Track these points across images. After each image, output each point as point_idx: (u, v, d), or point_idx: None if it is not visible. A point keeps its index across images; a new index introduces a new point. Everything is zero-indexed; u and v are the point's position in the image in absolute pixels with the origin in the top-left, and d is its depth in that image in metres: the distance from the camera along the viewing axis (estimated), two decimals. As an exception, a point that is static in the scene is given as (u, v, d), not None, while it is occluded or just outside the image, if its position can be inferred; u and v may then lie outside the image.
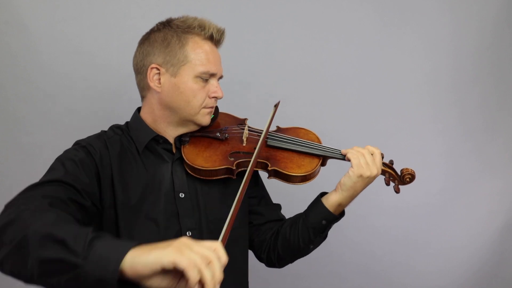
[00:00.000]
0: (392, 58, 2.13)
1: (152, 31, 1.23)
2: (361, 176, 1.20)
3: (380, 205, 2.18)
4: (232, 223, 0.92)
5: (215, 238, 1.16)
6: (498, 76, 2.22)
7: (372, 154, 1.23)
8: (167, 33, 1.19)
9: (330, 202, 1.24)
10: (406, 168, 1.30)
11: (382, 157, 1.29)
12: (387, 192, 2.24)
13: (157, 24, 1.25)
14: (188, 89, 1.17)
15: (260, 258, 1.38)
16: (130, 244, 0.77)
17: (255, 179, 1.39)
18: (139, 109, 1.29)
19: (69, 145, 1.86)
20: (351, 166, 1.21)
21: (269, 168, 1.22)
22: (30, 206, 0.91)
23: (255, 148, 1.22)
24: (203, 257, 0.74)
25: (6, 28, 1.78)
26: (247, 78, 2.00)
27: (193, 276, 0.72)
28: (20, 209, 0.90)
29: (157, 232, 1.14)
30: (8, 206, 0.94)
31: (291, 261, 1.35)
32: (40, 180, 1.08)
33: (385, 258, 2.23)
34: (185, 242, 0.77)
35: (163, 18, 1.93)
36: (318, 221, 1.24)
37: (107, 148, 1.17)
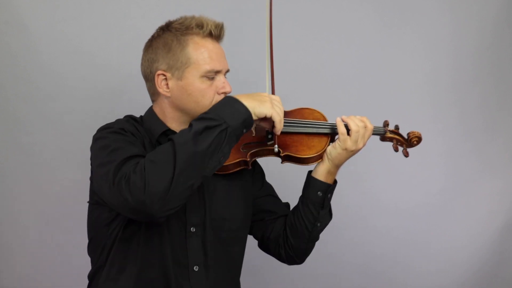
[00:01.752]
0: (392, 58, 2.13)
1: (153, 38, 1.25)
2: (346, 149, 1.26)
3: (380, 205, 2.18)
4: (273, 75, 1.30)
5: (217, 235, 1.22)
6: (498, 76, 2.22)
7: (365, 128, 1.28)
8: (167, 38, 1.21)
9: (319, 173, 1.30)
10: (413, 131, 1.38)
11: (388, 125, 1.39)
12: (387, 192, 2.25)
13: (157, 30, 1.27)
14: (196, 90, 1.19)
15: (279, 256, 1.39)
16: (233, 98, 1.07)
17: (261, 181, 1.43)
18: (152, 106, 1.32)
19: (69, 145, 1.88)
20: (338, 139, 1.27)
21: (282, 154, 1.27)
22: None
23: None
24: (280, 109, 1.12)
25: (6, 28, 1.78)
26: (247, 77, 2.01)
27: (279, 126, 1.12)
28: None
29: (163, 225, 1.16)
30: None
31: (307, 249, 1.36)
32: (116, 160, 1.05)
33: (385, 258, 2.23)
34: (271, 98, 1.12)
35: (163, 18, 1.92)
36: (314, 194, 1.29)
37: (138, 131, 1.22)
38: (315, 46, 2.09)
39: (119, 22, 1.87)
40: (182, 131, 1.03)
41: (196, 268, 1.19)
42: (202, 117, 1.03)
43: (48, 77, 1.83)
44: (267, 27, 1.32)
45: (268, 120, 1.11)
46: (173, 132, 1.22)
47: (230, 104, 1.05)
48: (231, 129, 1.01)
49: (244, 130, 1.05)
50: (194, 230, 1.20)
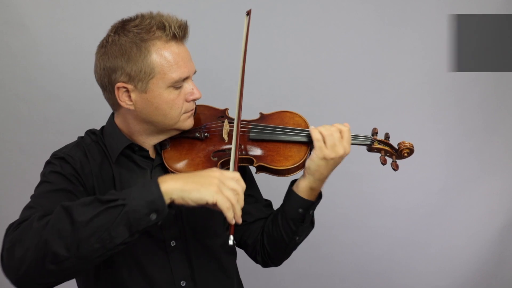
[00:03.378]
0: (392, 58, 2.13)
1: (107, 42, 1.08)
2: (324, 158, 1.10)
3: (379, 205, 2.18)
4: (237, 148, 1.02)
5: (201, 245, 1.17)
6: (498, 76, 2.22)
7: (340, 133, 1.13)
8: (125, 44, 1.05)
9: (300, 188, 1.16)
10: (403, 142, 1.20)
11: (376, 133, 1.23)
12: (386, 192, 2.25)
13: (110, 32, 1.10)
14: (163, 102, 1.07)
15: (255, 259, 1.33)
16: (155, 178, 0.89)
17: (242, 176, 1.32)
18: (114, 114, 1.20)
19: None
20: (314, 148, 1.12)
21: (255, 164, 1.14)
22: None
23: (239, 145, 1.16)
24: (234, 191, 0.91)
25: (6, 28, 1.78)
26: (247, 77, 2.00)
27: (228, 215, 0.90)
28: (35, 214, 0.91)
29: (139, 245, 1.10)
30: (12, 225, 0.93)
31: (283, 257, 1.28)
32: (35, 193, 1.06)
33: (385, 258, 2.23)
34: (219, 177, 0.91)
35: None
36: (295, 211, 1.17)
37: (86, 157, 1.12)
38: (314, 46, 2.08)
39: (119, 22, 1.87)
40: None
41: (183, 284, 1.13)
42: (109, 193, 0.89)
43: (48, 77, 1.83)
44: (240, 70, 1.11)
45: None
46: (138, 146, 1.14)
47: (146, 184, 0.87)
48: (129, 208, 0.83)
49: (153, 217, 0.85)
50: (174, 244, 1.13)
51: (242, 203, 0.93)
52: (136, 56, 1.04)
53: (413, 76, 2.16)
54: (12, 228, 0.90)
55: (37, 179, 1.97)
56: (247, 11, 1.24)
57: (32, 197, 1.04)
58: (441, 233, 2.25)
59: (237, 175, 0.95)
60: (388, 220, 2.20)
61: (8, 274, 0.86)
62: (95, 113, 1.88)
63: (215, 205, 0.89)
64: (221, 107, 1.30)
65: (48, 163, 1.13)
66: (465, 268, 2.28)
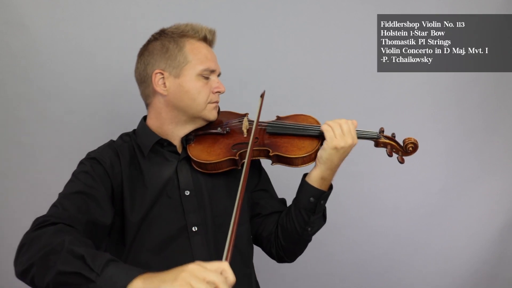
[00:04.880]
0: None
1: (149, 42, 1.31)
2: (335, 148, 1.21)
3: (380, 205, 2.18)
4: (234, 238, 0.91)
5: (220, 231, 1.24)
6: (498, 76, 2.22)
7: (346, 122, 1.25)
8: (164, 40, 1.27)
9: (312, 178, 1.26)
10: (408, 138, 1.32)
11: (383, 131, 1.34)
12: (387, 192, 2.25)
13: (152, 36, 1.32)
14: (193, 87, 1.24)
15: (270, 253, 1.40)
16: (139, 271, 0.86)
17: (258, 172, 1.43)
18: (145, 117, 1.35)
19: (69, 145, 1.88)
20: (325, 139, 1.23)
21: (271, 154, 1.26)
22: (56, 222, 1.03)
23: (256, 138, 1.28)
24: (210, 283, 0.79)
25: (6, 28, 1.78)
26: (247, 77, 2.01)
27: None
28: (46, 225, 1.02)
29: (163, 228, 1.19)
30: (38, 221, 1.05)
31: (297, 250, 1.36)
32: (64, 191, 1.15)
33: (385, 258, 2.23)
34: (192, 271, 0.80)
35: (162, 18, 1.92)
36: (307, 200, 1.25)
37: (118, 156, 1.24)
38: (314, 46, 2.09)
39: (119, 22, 1.87)
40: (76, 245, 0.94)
41: None
42: (97, 256, 0.91)
43: (48, 77, 1.83)
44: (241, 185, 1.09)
45: None
46: (167, 141, 1.28)
47: (121, 276, 0.86)
48: (94, 285, 0.87)
49: None
50: (196, 229, 1.21)
51: None
52: (173, 48, 1.25)
53: (413, 76, 2.16)
54: (32, 228, 1.02)
55: (37, 179, 1.98)
56: (261, 94, 1.41)
57: (60, 194, 1.15)
58: (441, 233, 2.25)
59: (224, 265, 0.83)
60: (388, 220, 2.20)
61: (14, 262, 1.02)
62: (95, 113, 1.89)
63: None
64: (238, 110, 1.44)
65: (81, 163, 1.23)
66: (465, 268, 2.28)
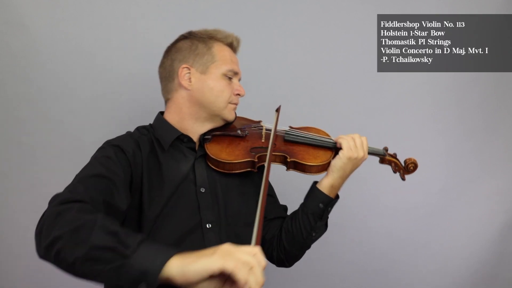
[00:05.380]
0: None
1: (177, 41, 1.36)
2: (350, 157, 1.33)
3: (380, 205, 2.18)
4: (261, 225, 0.94)
5: (232, 230, 1.26)
6: (498, 76, 2.22)
7: (359, 137, 1.37)
8: (193, 40, 1.33)
9: (323, 185, 1.35)
10: (409, 158, 1.47)
11: (387, 150, 1.48)
12: (387, 192, 2.24)
13: (180, 35, 1.37)
14: (217, 85, 1.29)
15: (270, 257, 1.43)
16: (175, 249, 0.86)
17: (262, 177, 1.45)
18: (161, 113, 1.38)
19: (69, 145, 1.88)
20: (341, 149, 1.34)
21: (289, 160, 1.33)
22: (81, 200, 1.00)
23: (274, 144, 1.33)
24: (245, 263, 0.81)
25: (6, 28, 1.78)
26: (247, 77, 2.00)
27: (242, 277, 0.80)
28: (71, 201, 0.99)
29: (179, 223, 1.20)
30: (60, 197, 1.01)
31: (298, 255, 1.41)
32: (82, 173, 1.13)
33: (385, 258, 2.23)
34: (227, 249, 0.84)
35: (163, 18, 1.93)
36: (316, 205, 1.34)
37: (139, 147, 1.24)
38: (314, 46, 2.09)
39: (119, 22, 1.87)
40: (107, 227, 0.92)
41: None
42: (130, 234, 0.90)
43: (48, 77, 1.83)
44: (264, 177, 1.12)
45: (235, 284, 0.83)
46: (187, 137, 1.30)
47: (160, 252, 0.86)
48: (128, 263, 0.85)
49: (142, 286, 0.84)
50: (210, 226, 1.23)
51: (259, 277, 0.82)
52: (201, 47, 1.31)
53: (413, 76, 2.16)
54: (56, 204, 0.98)
55: (37, 179, 1.97)
56: (276, 108, 1.45)
57: (78, 176, 1.12)
58: (441, 233, 2.25)
59: (256, 249, 0.85)
60: (388, 220, 2.20)
61: (36, 242, 0.95)
62: (95, 113, 1.89)
63: (221, 273, 0.82)
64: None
65: (102, 148, 1.22)
66: (465, 268, 2.28)
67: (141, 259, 0.85)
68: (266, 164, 1.18)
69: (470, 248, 2.28)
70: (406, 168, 1.47)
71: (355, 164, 1.35)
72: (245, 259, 0.82)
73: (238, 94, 1.34)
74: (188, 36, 1.35)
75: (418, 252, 2.25)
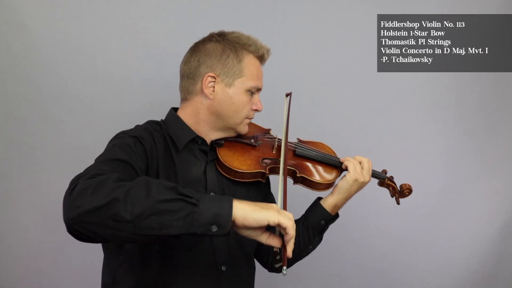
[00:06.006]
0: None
1: (209, 41, 1.30)
2: (356, 180, 1.35)
3: (380, 205, 2.18)
4: (285, 192, 1.10)
5: (237, 238, 1.25)
6: (498, 76, 2.22)
7: (366, 161, 1.39)
8: (226, 46, 1.28)
9: (327, 203, 1.37)
10: (405, 184, 1.52)
11: (386, 172, 1.52)
12: (387, 192, 2.24)
13: (212, 35, 1.32)
14: (239, 100, 1.27)
15: (265, 263, 1.47)
16: (230, 197, 0.94)
17: (267, 188, 1.48)
18: (175, 109, 1.34)
19: (69, 145, 1.88)
20: (348, 171, 1.36)
21: (298, 175, 1.34)
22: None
23: (283, 153, 1.32)
24: (291, 223, 0.95)
25: (6, 28, 1.78)
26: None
27: (292, 233, 0.95)
28: (103, 174, 0.96)
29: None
30: (84, 176, 0.97)
31: (291, 263, 1.42)
32: (102, 157, 1.10)
33: (385, 258, 2.23)
34: (278, 209, 0.97)
35: (163, 18, 1.93)
36: (318, 222, 1.37)
37: (154, 142, 1.22)
38: (314, 46, 2.09)
39: (119, 22, 1.87)
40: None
41: (224, 268, 1.23)
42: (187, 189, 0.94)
43: (48, 77, 1.83)
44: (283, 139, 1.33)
45: (275, 237, 1.00)
46: (202, 139, 1.29)
47: (221, 198, 0.94)
48: (198, 210, 0.89)
49: (214, 228, 0.90)
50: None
51: (292, 241, 0.98)
52: (232, 58, 1.26)
53: (413, 76, 2.16)
54: (85, 177, 0.95)
55: (37, 179, 1.97)
56: (286, 93, 1.47)
57: (97, 160, 1.08)
58: (441, 233, 2.25)
59: (291, 215, 0.99)
60: (388, 220, 2.20)
61: (68, 210, 0.91)
62: (95, 113, 1.89)
63: (275, 225, 0.95)
64: None
65: (120, 137, 1.19)
66: (465, 268, 2.28)
67: (208, 204, 0.90)
68: (280, 173, 1.22)
69: (470, 248, 2.28)
70: (401, 193, 1.51)
71: (360, 186, 1.37)
72: (291, 218, 0.96)
73: (256, 110, 1.33)
74: (221, 40, 1.29)
75: (418, 252, 2.25)
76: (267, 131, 1.47)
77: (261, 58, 1.34)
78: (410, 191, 1.51)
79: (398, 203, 1.54)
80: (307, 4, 2.05)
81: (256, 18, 2.01)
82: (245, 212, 0.92)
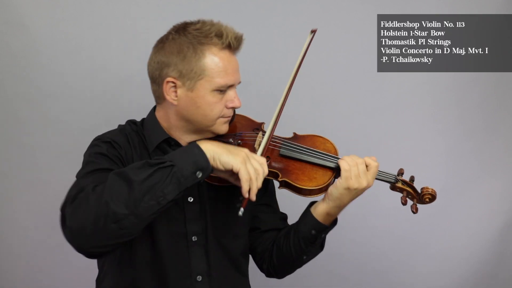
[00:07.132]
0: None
1: (167, 39, 1.17)
2: (348, 188, 1.15)
3: (380, 205, 2.18)
4: (270, 139, 1.14)
5: (219, 243, 1.21)
6: (498, 76, 2.22)
7: (367, 166, 1.18)
8: (183, 44, 1.13)
9: (318, 211, 1.21)
10: (427, 187, 1.25)
11: (402, 174, 1.27)
12: (387, 192, 2.24)
13: (172, 31, 1.18)
14: (205, 103, 1.14)
15: (261, 268, 1.37)
16: (194, 142, 1.01)
17: (265, 186, 1.33)
18: (155, 108, 1.27)
19: (69, 145, 1.88)
20: (340, 176, 1.17)
21: (279, 179, 1.18)
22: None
23: (268, 157, 1.21)
24: (256, 170, 1.01)
25: (6, 28, 1.78)
26: (247, 77, 2.00)
27: (245, 187, 1.00)
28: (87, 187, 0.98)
29: (165, 235, 1.15)
30: (68, 199, 0.99)
31: (288, 271, 1.34)
32: (81, 172, 1.10)
33: (385, 258, 2.23)
34: (248, 153, 1.02)
35: (163, 18, 1.92)
36: (308, 231, 1.21)
37: (129, 143, 1.20)
38: (314, 46, 2.07)
39: (119, 22, 1.87)
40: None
41: (199, 278, 1.17)
42: (154, 158, 1.00)
43: (48, 77, 1.83)
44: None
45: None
46: (174, 140, 1.20)
47: (188, 148, 0.99)
48: (177, 168, 0.93)
49: (199, 174, 0.95)
50: (196, 239, 1.18)
51: (260, 183, 1.02)
52: (190, 56, 1.13)
53: (413, 76, 2.16)
54: (69, 201, 0.97)
55: (37, 179, 1.98)
56: (312, 30, 1.33)
57: (78, 176, 1.10)
58: (441, 233, 2.25)
59: (262, 160, 1.05)
60: (388, 220, 2.20)
61: (71, 237, 0.94)
62: (95, 113, 1.89)
63: (236, 174, 0.99)
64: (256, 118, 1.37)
65: (93, 145, 1.18)
66: (465, 268, 2.28)
67: (182, 158, 0.95)
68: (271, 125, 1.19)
69: (470, 248, 2.27)
70: (421, 198, 1.23)
71: (356, 194, 1.18)
72: (256, 167, 1.01)
73: (233, 107, 1.19)
74: (177, 38, 1.15)
75: (418, 252, 2.25)
76: (259, 126, 1.33)
77: (229, 48, 1.15)
78: (432, 197, 1.23)
79: (414, 211, 1.23)
80: (307, 4, 2.05)
81: (256, 18, 2.01)
82: (214, 153, 0.99)
